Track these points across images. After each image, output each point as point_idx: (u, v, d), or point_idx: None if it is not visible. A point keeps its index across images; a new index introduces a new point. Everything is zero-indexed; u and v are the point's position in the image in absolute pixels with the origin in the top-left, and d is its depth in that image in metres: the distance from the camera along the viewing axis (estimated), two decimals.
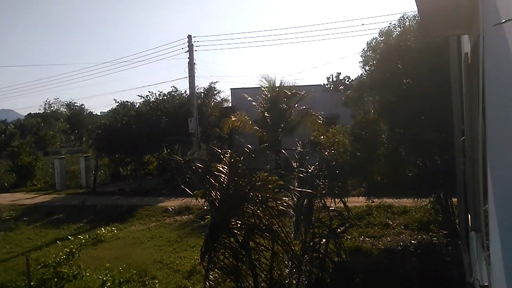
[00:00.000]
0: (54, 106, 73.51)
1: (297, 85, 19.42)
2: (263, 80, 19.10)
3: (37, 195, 20.46)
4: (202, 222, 9.42)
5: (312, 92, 19.74)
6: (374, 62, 9.36)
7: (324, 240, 6.06)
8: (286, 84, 19.14)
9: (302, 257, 5.63)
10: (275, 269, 5.50)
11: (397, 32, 9.06)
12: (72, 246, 6.12)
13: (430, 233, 9.47)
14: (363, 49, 9.72)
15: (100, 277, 6.09)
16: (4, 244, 12.91)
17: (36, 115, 71.05)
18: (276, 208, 5.44)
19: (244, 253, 5.32)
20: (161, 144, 21.78)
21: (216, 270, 5.25)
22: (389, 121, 9.08)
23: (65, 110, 72.44)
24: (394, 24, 9.20)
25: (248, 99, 19.01)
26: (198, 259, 8.92)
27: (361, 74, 10.28)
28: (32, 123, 59.62)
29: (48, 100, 74.26)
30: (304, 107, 19.01)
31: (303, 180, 5.98)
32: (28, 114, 74.99)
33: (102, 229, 7.12)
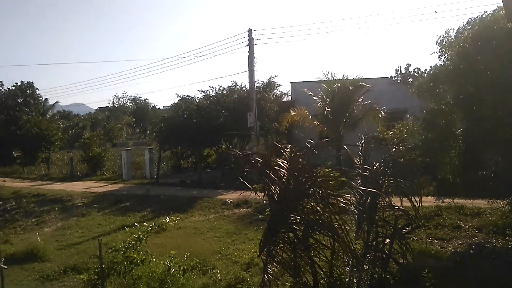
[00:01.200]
0: (121, 101, 78.05)
1: (361, 77, 18.73)
2: (324, 73, 18.71)
3: (106, 184, 21.88)
4: (260, 216, 9.53)
5: (378, 85, 19.05)
6: (454, 50, 8.78)
7: (388, 240, 5.86)
8: (349, 77, 18.54)
9: (363, 256, 5.49)
10: (335, 267, 5.42)
11: (488, 19, 8.42)
12: (139, 233, 6.48)
13: (507, 238, 8.79)
14: (440, 37, 9.20)
15: (166, 263, 6.39)
16: (77, 228, 14.01)
17: (105, 108, 75.94)
18: (337, 205, 5.35)
19: (303, 249, 5.29)
20: (220, 138, 22.26)
21: (274, 264, 5.27)
22: (467, 113, 8.43)
23: (131, 104, 76.68)
24: (488, 13, 8.57)
25: (309, 93, 18.78)
26: (256, 252, 9.05)
27: (435, 64, 9.66)
28: (102, 117, 63.72)
29: (116, 95, 78.98)
30: (369, 101, 18.37)
31: (367, 177, 5.81)
32: (98, 108, 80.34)
33: (167, 218, 7.45)
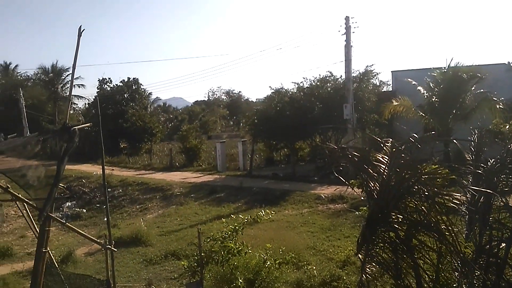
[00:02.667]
0: (216, 94, 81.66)
1: (474, 65, 17.14)
2: (432, 60, 17.50)
3: (202, 174, 23.19)
4: (357, 213, 9.35)
5: (493, 73, 17.29)
6: None
7: (504, 244, 5.34)
8: (460, 65, 17.08)
9: (475, 261, 5.09)
10: (442, 271, 5.10)
11: None
12: (235, 224, 6.79)
13: None
14: None
15: (262, 255, 6.62)
16: (175, 216, 15.13)
17: (201, 102, 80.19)
18: (445, 204, 5.02)
19: (405, 250, 5.07)
20: (314, 131, 22.15)
21: (373, 264, 5.15)
22: None
23: (225, 97, 79.84)
24: None
25: (413, 83, 17.74)
26: (352, 250, 8.93)
27: None
28: (198, 110, 67.35)
29: (211, 88, 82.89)
30: (483, 90, 16.77)
31: (480, 175, 5.35)
32: (195, 101, 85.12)
33: (262, 211, 7.70)
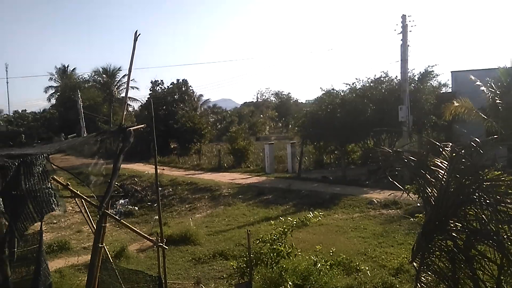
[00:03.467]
0: (265, 95, 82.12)
1: None
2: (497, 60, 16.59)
3: (250, 176, 23.44)
4: (412, 219, 9.07)
5: None
6: None
7: None
8: None
9: None
10: (505, 283, 4.85)
11: None
12: (284, 227, 6.84)
13: None
14: None
15: (312, 257, 6.61)
16: (224, 216, 15.40)
17: (250, 103, 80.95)
18: (507, 213, 4.78)
19: (464, 260, 4.88)
20: (366, 133, 21.73)
21: (428, 272, 4.99)
22: None
23: (274, 99, 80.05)
24: None
25: (477, 83, 16.91)
26: (406, 258, 8.69)
27: None
28: (247, 111, 68.00)
29: (260, 90, 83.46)
30: None
31: None
32: (243, 102, 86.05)
33: (310, 213, 7.68)
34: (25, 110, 64.86)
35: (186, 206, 18.50)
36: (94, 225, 6.00)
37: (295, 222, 7.03)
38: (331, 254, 7.14)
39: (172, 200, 19.52)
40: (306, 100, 63.45)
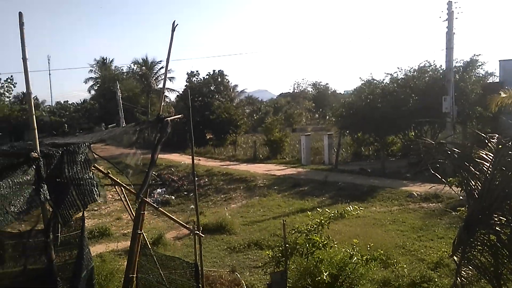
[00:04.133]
0: (302, 86, 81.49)
1: None
2: None
3: (285, 167, 23.44)
4: (453, 213, 8.86)
5: None
6: None
7: None
8: None
9: None
10: None
11: None
12: (321, 218, 6.85)
13: None
14: None
15: (348, 250, 6.61)
16: (259, 207, 15.54)
17: (286, 94, 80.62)
18: None
19: (507, 255, 4.76)
20: (408, 125, 21.24)
21: (469, 267, 4.90)
22: None
23: (311, 89, 79.31)
24: None
25: None
26: (446, 252, 8.54)
27: None
28: (283, 102, 67.79)
29: (296, 80, 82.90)
30: None
31: None
32: (280, 93, 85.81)
33: (349, 206, 7.65)
34: (67, 101, 67.75)
35: (222, 196, 18.78)
36: (133, 213, 6.25)
37: (332, 214, 7.02)
38: (368, 248, 7.08)
39: (207, 190, 19.86)
40: (344, 91, 62.48)
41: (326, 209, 7.44)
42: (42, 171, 4.29)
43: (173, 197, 19.56)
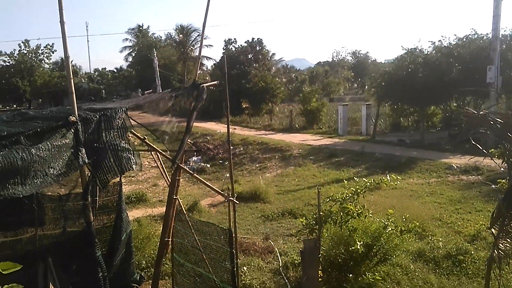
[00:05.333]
0: (341, 55, 79.50)
1: None
2: None
3: (322, 137, 23.25)
4: (493, 186, 8.56)
5: None
6: None
7: None
8: None
9: None
10: None
11: None
12: (357, 187, 6.79)
13: None
14: None
15: (383, 220, 6.56)
16: (293, 177, 15.58)
17: (324, 63, 79.05)
18: None
19: None
20: (450, 95, 20.46)
21: (507, 240, 4.76)
22: None
23: (350, 58, 77.28)
24: None
25: None
26: (484, 225, 8.35)
27: None
28: (320, 71, 66.60)
29: (336, 49, 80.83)
30: None
31: None
32: (318, 62, 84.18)
33: (387, 176, 7.51)
34: (105, 68, 69.40)
35: (257, 165, 18.93)
36: (169, 179, 6.40)
37: (368, 184, 6.92)
38: (403, 220, 6.97)
39: (243, 159, 20.05)
40: (385, 60, 60.51)
41: (364, 179, 7.32)
42: (80, 135, 4.39)
43: (208, 165, 19.91)
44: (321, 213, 6.34)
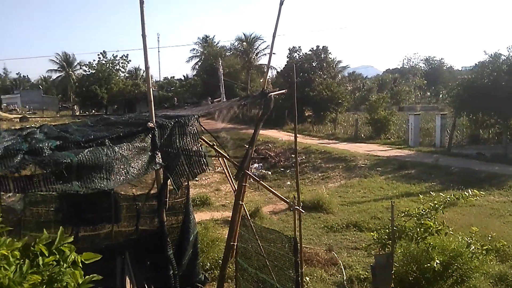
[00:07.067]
0: (412, 61, 76.93)
1: None
2: None
3: (390, 148, 22.69)
4: None
5: None
6: None
7: None
8: None
9: None
10: None
11: None
12: (435, 202, 6.60)
13: None
14: None
15: (466, 238, 6.32)
16: (358, 188, 15.35)
17: (394, 70, 76.95)
18: None
19: None
20: None
21: None
22: None
23: (423, 65, 74.53)
24: None
25: None
26: None
27: None
28: (389, 78, 64.89)
29: (407, 56, 78.44)
30: None
31: None
32: (386, 69, 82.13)
33: (469, 191, 7.21)
34: (173, 76, 73.10)
35: (319, 174, 18.85)
36: (234, 184, 6.64)
37: (448, 198, 6.69)
38: (489, 238, 6.62)
39: (304, 168, 20.05)
40: (462, 67, 57.77)
41: (441, 194, 7.09)
42: (156, 140, 4.80)
43: (270, 173, 20.13)
44: (394, 228, 6.22)
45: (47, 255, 2.59)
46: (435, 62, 72.58)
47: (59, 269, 2.52)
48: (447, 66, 72.55)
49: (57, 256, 2.59)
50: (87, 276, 2.62)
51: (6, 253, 2.46)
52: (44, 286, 2.48)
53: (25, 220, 6.22)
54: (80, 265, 2.62)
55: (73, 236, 3.12)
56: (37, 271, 2.50)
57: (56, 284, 2.51)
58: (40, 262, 2.52)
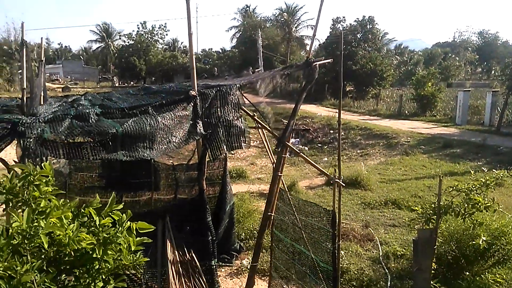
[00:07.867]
0: (464, 35, 73.58)
1: None
2: None
3: (435, 126, 22.17)
4: None
5: None
6: None
7: None
8: None
9: None
10: None
11: None
12: (487, 178, 6.52)
13: None
14: None
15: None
16: (399, 166, 15.19)
17: (444, 44, 73.92)
18: None
19: None
20: None
21: None
22: None
23: (476, 39, 71.15)
24: None
25: None
26: None
27: None
28: (438, 53, 62.43)
29: (458, 29, 75.08)
30: None
31: None
32: (435, 43, 78.99)
33: None
34: (211, 48, 73.35)
35: (358, 151, 18.74)
36: (272, 156, 6.77)
37: (501, 175, 6.58)
38: None
39: (343, 144, 19.93)
40: None
41: (493, 170, 6.96)
42: (198, 108, 4.93)
43: (307, 148, 20.19)
44: (440, 203, 6.20)
45: (96, 218, 2.79)
46: (490, 36, 69.07)
47: (115, 231, 2.73)
48: (502, 41, 68.99)
49: (112, 219, 2.80)
50: (138, 238, 2.83)
51: (61, 215, 2.70)
52: (99, 246, 2.71)
53: (70, 184, 6.62)
54: (134, 232, 2.81)
55: (122, 203, 3.35)
56: (92, 231, 2.73)
57: (110, 246, 2.74)
58: (97, 223, 2.74)
